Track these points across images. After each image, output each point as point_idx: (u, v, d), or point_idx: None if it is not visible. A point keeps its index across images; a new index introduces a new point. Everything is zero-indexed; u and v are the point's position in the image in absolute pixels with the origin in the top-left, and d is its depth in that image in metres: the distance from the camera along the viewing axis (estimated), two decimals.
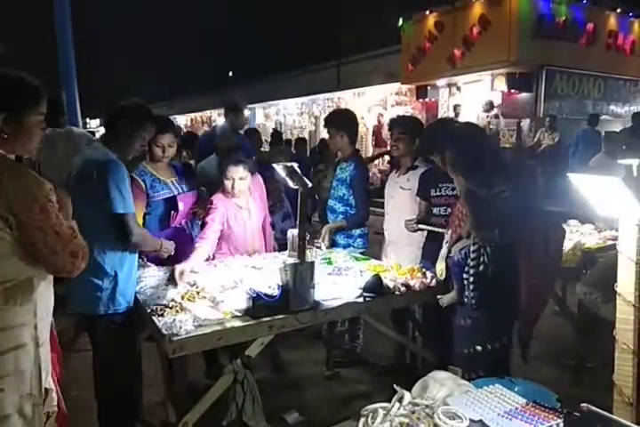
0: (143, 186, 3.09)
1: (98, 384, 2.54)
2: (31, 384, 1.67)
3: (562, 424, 1.57)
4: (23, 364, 1.65)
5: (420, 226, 3.15)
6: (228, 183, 3.15)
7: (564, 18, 10.13)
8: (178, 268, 2.69)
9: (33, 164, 3.97)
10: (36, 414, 1.70)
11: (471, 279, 2.46)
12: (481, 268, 2.43)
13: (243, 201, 3.27)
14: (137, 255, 2.61)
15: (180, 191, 3.24)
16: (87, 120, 28.97)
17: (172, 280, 2.69)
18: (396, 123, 3.52)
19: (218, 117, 22.36)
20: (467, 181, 2.56)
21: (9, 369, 1.62)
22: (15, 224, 1.59)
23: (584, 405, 1.41)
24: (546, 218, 2.66)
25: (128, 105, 2.56)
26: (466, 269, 2.49)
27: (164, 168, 3.23)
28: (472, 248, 2.47)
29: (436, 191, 3.17)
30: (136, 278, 2.63)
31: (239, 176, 3.13)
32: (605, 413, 1.39)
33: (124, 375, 2.51)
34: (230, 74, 26.07)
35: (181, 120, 24.86)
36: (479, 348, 2.43)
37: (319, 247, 3.37)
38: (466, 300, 2.51)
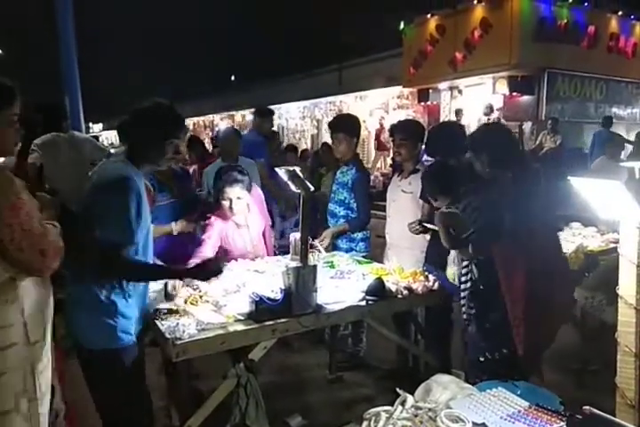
0: (152, 190, 3.06)
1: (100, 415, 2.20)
2: (25, 381, 1.66)
3: None
4: (15, 362, 1.64)
5: (428, 225, 3.14)
6: (225, 204, 3.05)
7: (565, 21, 10.16)
8: (170, 283, 2.44)
9: (37, 169, 3.97)
10: (32, 409, 1.70)
11: (462, 294, 2.49)
12: (469, 284, 2.44)
13: (241, 218, 3.17)
14: (147, 290, 2.29)
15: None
16: (90, 124, 29.04)
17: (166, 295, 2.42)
18: (397, 129, 3.48)
19: (220, 122, 22.46)
20: (436, 202, 2.57)
21: (3, 368, 1.62)
22: None
23: (587, 407, 1.41)
24: (546, 222, 2.64)
25: (151, 107, 2.14)
26: (460, 285, 2.51)
27: (166, 172, 3.20)
28: (463, 264, 2.47)
29: None
30: (145, 308, 2.27)
31: (236, 196, 3.04)
32: (608, 415, 1.40)
33: (129, 412, 2.13)
34: (232, 78, 26.17)
35: None
36: (481, 358, 2.43)
37: (318, 250, 3.36)
38: (467, 309, 2.51)
